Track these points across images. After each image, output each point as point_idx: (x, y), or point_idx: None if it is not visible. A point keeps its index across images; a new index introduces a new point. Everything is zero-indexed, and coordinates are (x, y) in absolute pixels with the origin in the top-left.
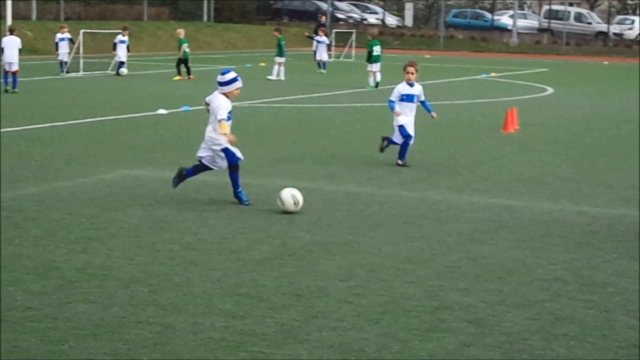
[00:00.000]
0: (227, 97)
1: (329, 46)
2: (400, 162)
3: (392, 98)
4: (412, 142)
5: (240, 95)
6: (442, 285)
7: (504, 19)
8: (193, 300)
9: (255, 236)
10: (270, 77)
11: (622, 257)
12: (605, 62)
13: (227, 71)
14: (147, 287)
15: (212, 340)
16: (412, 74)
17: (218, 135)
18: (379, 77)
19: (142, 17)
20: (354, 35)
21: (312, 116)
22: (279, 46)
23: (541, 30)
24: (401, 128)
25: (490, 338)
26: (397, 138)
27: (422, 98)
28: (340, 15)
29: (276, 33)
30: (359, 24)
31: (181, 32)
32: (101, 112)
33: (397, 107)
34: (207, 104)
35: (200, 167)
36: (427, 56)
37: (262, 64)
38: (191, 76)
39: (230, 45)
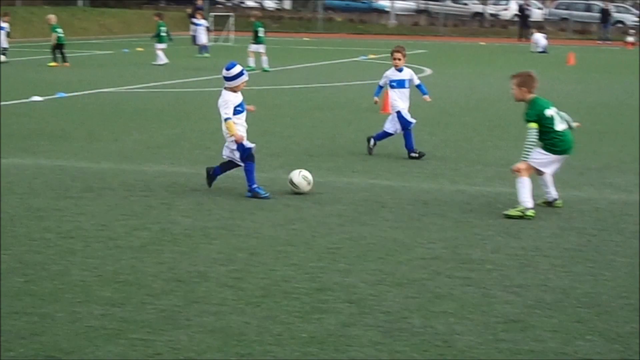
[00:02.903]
0: (234, 91)
1: (208, 29)
2: (413, 154)
3: (380, 83)
4: (411, 127)
5: (118, 81)
6: (323, 266)
7: (382, 1)
8: (71, 289)
9: (134, 222)
10: (155, 63)
11: (499, 234)
12: (482, 43)
13: (233, 65)
14: (23, 277)
15: (90, 328)
16: (399, 59)
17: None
18: (265, 63)
19: (14, 2)
20: (232, 19)
21: (192, 101)
22: (159, 32)
23: (419, 11)
24: (399, 115)
25: (371, 317)
26: (390, 128)
27: (417, 82)
28: None
29: (156, 18)
30: (237, 7)
31: (52, 19)
32: None
33: (392, 94)
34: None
35: (227, 165)
36: (306, 39)
37: (140, 49)
38: (66, 63)
39: (107, 30)
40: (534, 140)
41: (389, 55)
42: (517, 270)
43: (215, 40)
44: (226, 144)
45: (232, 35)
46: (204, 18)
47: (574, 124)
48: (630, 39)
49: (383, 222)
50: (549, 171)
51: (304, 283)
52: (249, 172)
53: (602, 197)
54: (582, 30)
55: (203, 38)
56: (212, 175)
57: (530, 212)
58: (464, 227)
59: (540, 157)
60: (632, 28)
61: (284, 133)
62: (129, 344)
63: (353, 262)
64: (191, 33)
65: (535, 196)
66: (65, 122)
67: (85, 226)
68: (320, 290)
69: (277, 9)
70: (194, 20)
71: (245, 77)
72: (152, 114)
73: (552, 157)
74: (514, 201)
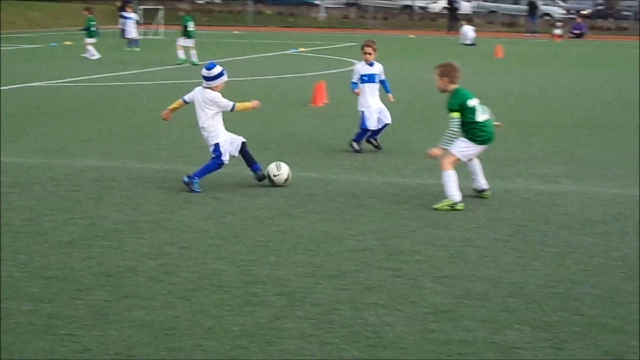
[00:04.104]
0: (213, 91)
1: (137, 23)
2: (355, 145)
3: (353, 80)
4: (382, 125)
5: (47, 75)
6: (254, 259)
7: None
8: None
9: (63, 217)
10: (85, 56)
11: (428, 226)
12: (412, 36)
13: (213, 65)
14: None
15: (19, 325)
16: (370, 53)
17: (210, 127)
18: (195, 57)
19: None
20: (162, 12)
21: (120, 95)
22: (89, 27)
23: (348, 4)
24: (362, 115)
25: (302, 310)
26: (368, 124)
27: (382, 77)
28: None
29: (86, 13)
30: (167, 0)
31: None
32: None
33: (358, 89)
34: (187, 102)
35: (244, 155)
36: (236, 32)
37: (68, 43)
38: None
39: (34, 23)
40: (455, 129)
41: (319, 48)
42: (447, 261)
43: (145, 34)
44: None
45: (161, 29)
46: (134, 11)
47: (496, 123)
48: (557, 31)
49: (313, 214)
50: (469, 160)
51: (234, 276)
52: (206, 168)
53: (530, 188)
54: (510, 23)
55: (133, 32)
56: (258, 174)
57: (459, 206)
58: (394, 219)
59: (464, 148)
60: (559, 21)
61: None
62: (57, 340)
63: (283, 255)
64: (120, 27)
65: (463, 188)
66: None
67: (14, 221)
68: (251, 284)
69: (207, 2)
70: (124, 13)
71: (224, 78)
72: (81, 108)
73: (475, 147)
74: (443, 193)
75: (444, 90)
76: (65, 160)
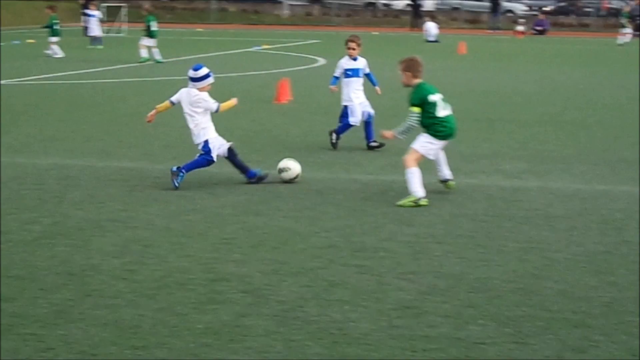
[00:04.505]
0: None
1: (101, 20)
2: (334, 137)
3: (335, 74)
4: (365, 118)
5: (9, 73)
6: (218, 257)
7: None
8: None
9: (26, 216)
10: (48, 53)
11: (392, 222)
12: (375, 33)
13: (200, 67)
14: None
15: None
16: (354, 48)
17: (200, 125)
18: (158, 55)
19: None
20: (125, 10)
21: (83, 93)
22: (52, 25)
23: (312, 1)
24: (345, 110)
25: (266, 307)
26: (352, 120)
27: (367, 71)
28: None
29: (48, 11)
30: None
31: None
32: None
33: (343, 84)
34: (174, 103)
35: (234, 163)
36: (200, 30)
37: (31, 41)
38: None
39: None
40: (413, 123)
41: (283, 45)
42: (411, 257)
43: (108, 32)
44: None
45: (124, 27)
46: (97, 9)
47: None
48: (520, 28)
49: (277, 211)
50: (433, 157)
51: (199, 274)
52: (195, 163)
53: (493, 184)
54: (473, 20)
55: (96, 29)
56: (252, 178)
57: (423, 202)
58: (358, 215)
59: (426, 144)
60: (521, 17)
61: (178, 124)
62: (20, 340)
63: (248, 252)
64: (83, 24)
65: (427, 184)
66: None
67: None
68: (216, 281)
69: (170, 0)
70: (87, 11)
71: (211, 79)
72: (43, 106)
73: (437, 142)
74: (407, 189)
75: (407, 85)
76: (28, 159)
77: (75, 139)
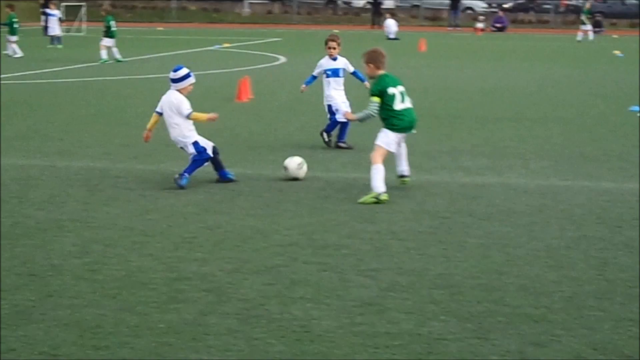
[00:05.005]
0: (181, 93)
1: (60, 20)
2: (326, 136)
3: (313, 73)
4: (343, 123)
5: None
6: (180, 256)
7: None
8: None
9: None
10: (7, 53)
11: (354, 220)
12: (336, 30)
13: (180, 67)
14: None
15: None
16: (334, 48)
17: (184, 131)
18: (118, 54)
19: None
20: (84, 9)
21: (44, 93)
22: (11, 23)
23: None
24: (329, 108)
25: (229, 305)
26: (338, 116)
27: (351, 69)
28: None
29: (8, 10)
30: None
31: None
32: None
33: (324, 84)
34: (160, 113)
35: (215, 160)
36: (160, 29)
37: None
38: None
39: None
40: (371, 112)
41: (244, 44)
42: (372, 254)
43: (67, 31)
44: (180, 146)
45: (84, 26)
46: (57, 8)
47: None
48: (479, 25)
49: (239, 210)
50: (395, 150)
51: (160, 273)
52: (194, 165)
53: (454, 180)
54: (433, 17)
55: (56, 29)
56: (224, 178)
57: (383, 197)
58: (320, 213)
59: (385, 138)
60: (481, 14)
61: (138, 123)
62: None
63: (210, 250)
64: (42, 24)
65: (389, 180)
66: None
67: None
68: (177, 280)
69: None
70: (47, 10)
71: (192, 80)
72: (3, 107)
73: (394, 135)
74: (368, 186)
75: (372, 77)
76: None
77: (35, 139)
